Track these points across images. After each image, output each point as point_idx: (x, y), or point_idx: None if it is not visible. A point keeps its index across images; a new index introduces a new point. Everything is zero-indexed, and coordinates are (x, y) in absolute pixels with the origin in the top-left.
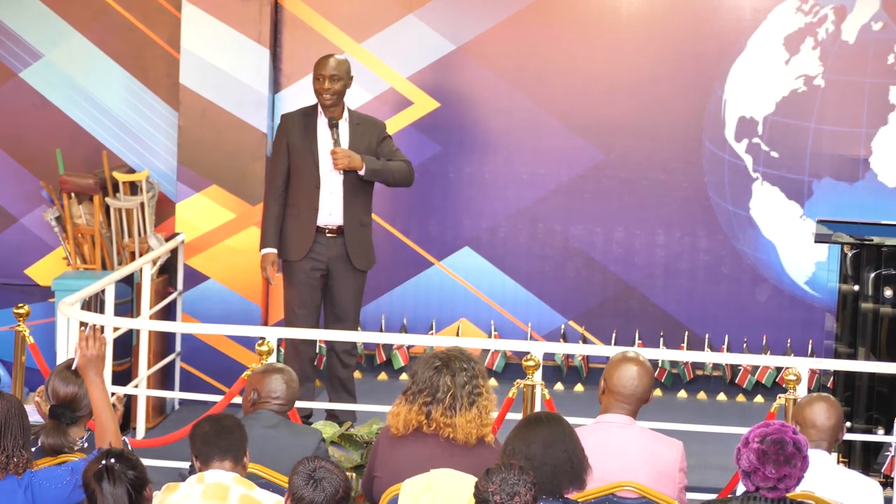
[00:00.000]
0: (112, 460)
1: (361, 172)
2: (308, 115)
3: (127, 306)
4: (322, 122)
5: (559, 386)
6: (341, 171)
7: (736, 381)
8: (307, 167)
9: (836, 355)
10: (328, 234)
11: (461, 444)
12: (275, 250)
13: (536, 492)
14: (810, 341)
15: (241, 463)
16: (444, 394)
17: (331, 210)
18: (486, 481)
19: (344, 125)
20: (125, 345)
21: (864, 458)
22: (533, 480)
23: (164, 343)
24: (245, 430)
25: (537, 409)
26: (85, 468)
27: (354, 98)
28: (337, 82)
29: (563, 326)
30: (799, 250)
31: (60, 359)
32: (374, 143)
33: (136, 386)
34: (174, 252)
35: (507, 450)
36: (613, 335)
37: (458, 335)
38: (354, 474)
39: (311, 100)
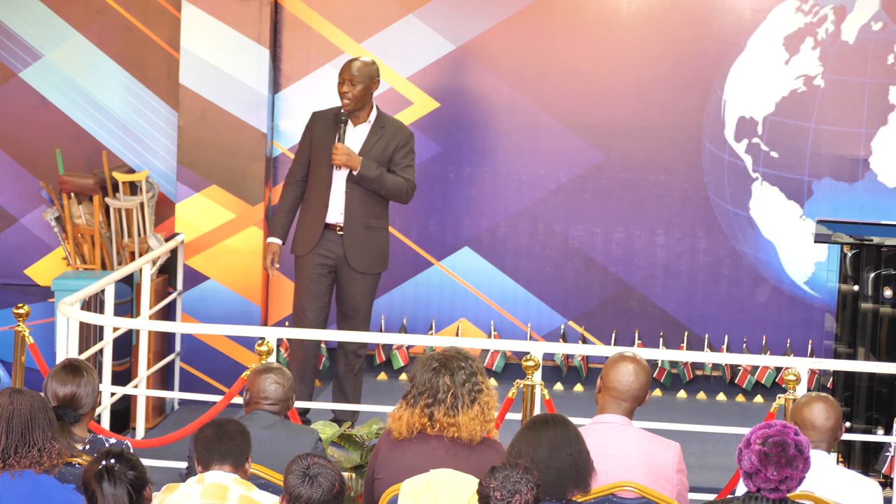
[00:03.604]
0: (112, 461)
1: (354, 174)
2: (336, 114)
3: (127, 306)
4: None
5: (559, 386)
6: (338, 168)
7: (735, 382)
8: (323, 164)
9: (836, 355)
10: (338, 232)
11: (466, 443)
12: (279, 241)
13: (539, 492)
14: (810, 341)
15: (241, 468)
16: (444, 394)
17: (340, 209)
18: (489, 478)
19: (365, 126)
20: (125, 345)
21: (864, 459)
22: (537, 481)
23: (163, 343)
24: (249, 437)
25: (537, 409)
26: (85, 469)
27: None
28: (356, 86)
29: (562, 327)
30: (799, 250)
31: (60, 359)
32: (391, 150)
33: (136, 386)
34: (174, 252)
35: (513, 451)
36: (613, 335)
37: (457, 335)
38: (354, 474)
39: (311, 100)
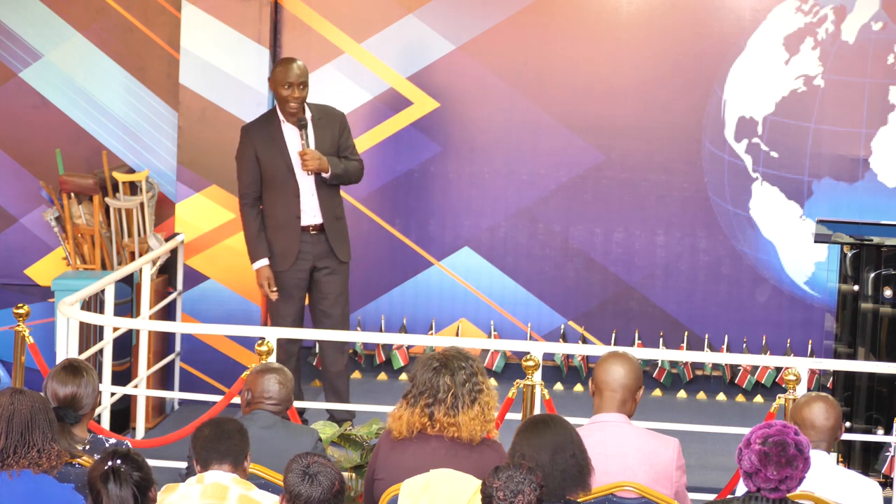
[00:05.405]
0: (118, 461)
1: (326, 176)
2: (270, 122)
3: (127, 306)
4: (287, 127)
5: (559, 386)
6: (309, 174)
7: (735, 382)
8: (281, 175)
9: (836, 355)
10: (312, 233)
11: (466, 443)
12: (267, 261)
13: (542, 493)
14: (810, 341)
15: (240, 467)
16: (444, 394)
17: (313, 211)
18: (492, 477)
19: (309, 125)
20: (125, 345)
21: (864, 459)
22: (540, 481)
23: (163, 343)
24: (247, 436)
25: (537, 409)
26: (90, 469)
27: (355, 98)
28: (305, 89)
29: (562, 327)
30: (799, 250)
31: (60, 359)
32: (337, 135)
33: (136, 386)
34: (174, 252)
35: (516, 456)
36: (613, 335)
37: (457, 335)
38: (354, 474)
39: (310, 100)
